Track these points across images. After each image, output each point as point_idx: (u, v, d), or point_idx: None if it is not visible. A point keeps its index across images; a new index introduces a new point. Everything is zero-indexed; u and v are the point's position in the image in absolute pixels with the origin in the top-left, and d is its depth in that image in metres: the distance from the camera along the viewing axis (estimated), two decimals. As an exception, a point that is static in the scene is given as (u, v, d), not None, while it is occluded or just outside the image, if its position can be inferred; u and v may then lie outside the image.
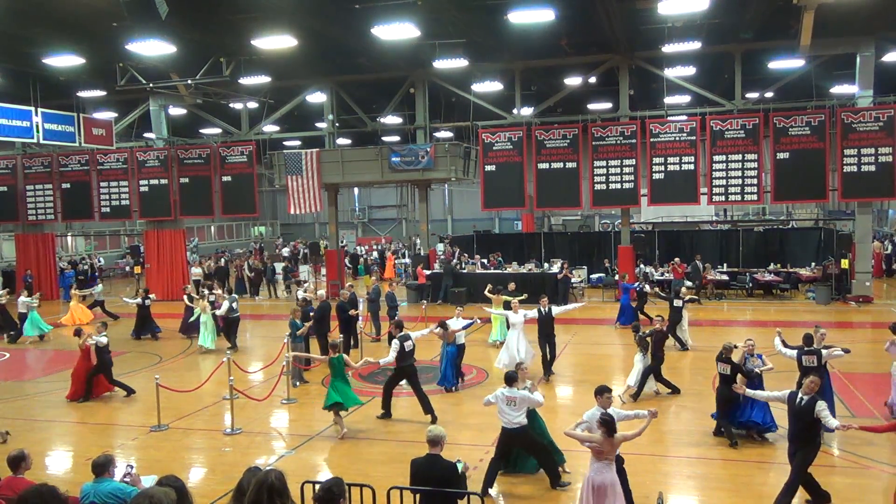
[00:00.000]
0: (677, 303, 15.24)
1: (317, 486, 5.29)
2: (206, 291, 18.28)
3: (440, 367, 12.88)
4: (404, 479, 6.46)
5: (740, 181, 21.32)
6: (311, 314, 14.91)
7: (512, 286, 17.22)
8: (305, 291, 18.67)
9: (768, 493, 7.83)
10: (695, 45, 19.04)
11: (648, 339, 11.70)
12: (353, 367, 11.04)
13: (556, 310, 13.58)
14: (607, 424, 6.69)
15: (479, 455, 9.21)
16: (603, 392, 7.46)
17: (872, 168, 20.19)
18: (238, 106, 27.31)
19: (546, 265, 24.50)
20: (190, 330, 17.95)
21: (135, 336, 18.40)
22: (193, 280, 25.12)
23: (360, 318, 16.17)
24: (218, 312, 16.71)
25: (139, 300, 18.47)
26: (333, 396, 10.13)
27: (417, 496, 6.32)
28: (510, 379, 8.17)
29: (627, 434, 6.81)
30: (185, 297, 18.56)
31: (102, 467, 5.86)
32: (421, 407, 10.82)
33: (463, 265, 24.47)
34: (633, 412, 7.63)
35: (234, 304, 16.87)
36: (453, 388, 12.66)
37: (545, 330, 13.24)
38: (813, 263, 23.51)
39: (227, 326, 16.84)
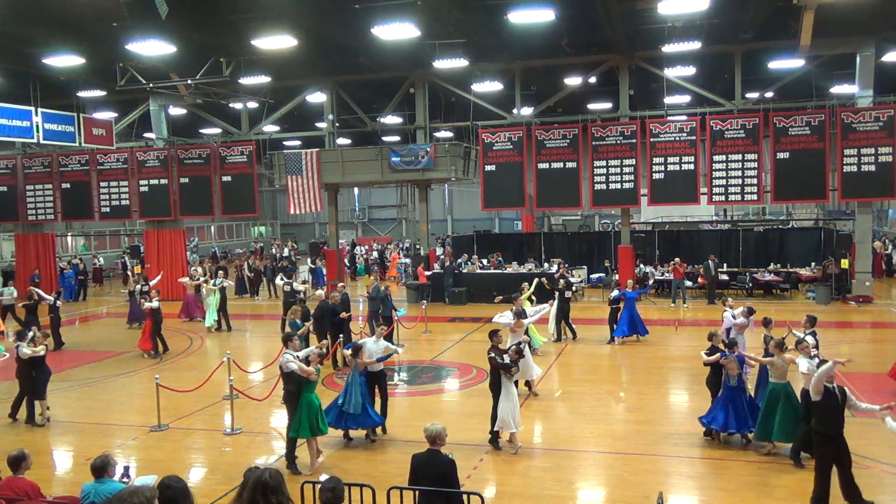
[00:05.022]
0: (567, 294, 16.72)
1: (317, 486, 5.30)
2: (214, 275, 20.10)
3: (351, 400, 9.44)
4: (404, 478, 6.45)
5: (740, 181, 21.29)
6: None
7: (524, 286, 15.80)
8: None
9: (768, 492, 7.85)
10: (695, 45, 19.00)
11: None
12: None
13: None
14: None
15: (479, 455, 9.22)
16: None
17: (872, 168, 20.17)
18: (238, 106, 27.28)
19: (545, 265, 24.50)
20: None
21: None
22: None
23: (360, 318, 16.13)
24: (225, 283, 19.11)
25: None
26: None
27: (417, 493, 6.32)
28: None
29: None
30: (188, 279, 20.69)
31: (101, 469, 5.87)
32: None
33: (463, 265, 24.46)
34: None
35: (221, 282, 18.95)
36: (375, 434, 10.00)
37: None
38: (813, 263, 23.50)
39: (221, 304, 18.81)
